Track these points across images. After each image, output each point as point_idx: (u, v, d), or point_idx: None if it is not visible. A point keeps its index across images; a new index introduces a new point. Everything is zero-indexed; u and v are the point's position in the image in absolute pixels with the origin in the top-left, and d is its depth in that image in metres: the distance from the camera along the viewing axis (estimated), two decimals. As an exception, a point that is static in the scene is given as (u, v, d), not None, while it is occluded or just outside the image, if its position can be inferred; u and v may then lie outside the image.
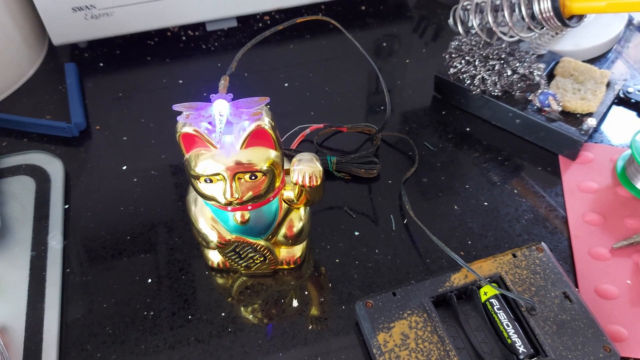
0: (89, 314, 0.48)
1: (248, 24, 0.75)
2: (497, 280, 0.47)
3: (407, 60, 0.70)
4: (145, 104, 0.65)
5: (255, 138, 0.40)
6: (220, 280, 0.51)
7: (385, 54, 0.71)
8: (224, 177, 0.40)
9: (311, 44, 0.73)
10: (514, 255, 0.48)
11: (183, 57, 0.71)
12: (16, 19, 0.65)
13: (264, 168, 0.41)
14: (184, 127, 0.39)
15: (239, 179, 0.41)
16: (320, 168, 0.42)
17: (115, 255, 0.52)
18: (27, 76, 0.68)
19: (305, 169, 0.42)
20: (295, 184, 0.42)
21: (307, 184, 0.42)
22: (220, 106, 0.39)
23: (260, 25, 0.75)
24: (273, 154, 0.41)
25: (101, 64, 0.70)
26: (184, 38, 0.73)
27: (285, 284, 0.50)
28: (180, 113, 0.40)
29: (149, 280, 0.51)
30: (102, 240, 0.53)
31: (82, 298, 0.50)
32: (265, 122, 0.40)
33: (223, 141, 0.40)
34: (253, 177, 0.41)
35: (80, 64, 0.70)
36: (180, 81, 0.68)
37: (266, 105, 0.41)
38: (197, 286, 0.50)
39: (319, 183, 0.42)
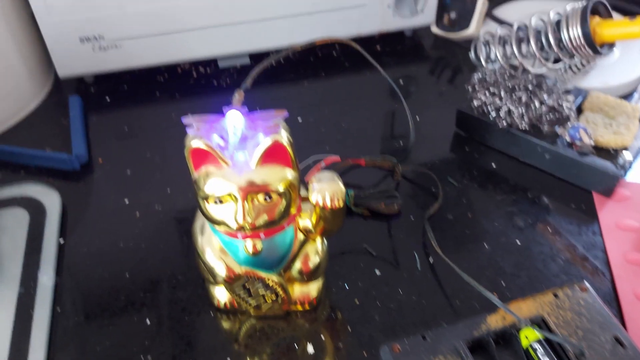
0: (80, 357, 0.43)
1: (261, 61, 0.73)
2: (539, 323, 0.41)
3: (425, 99, 0.67)
4: (152, 139, 0.62)
5: (271, 155, 0.36)
6: (226, 323, 0.46)
7: (403, 93, 0.68)
8: (236, 198, 0.36)
9: (326, 82, 0.71)
10: (556, 295, 0.43)
11: (193, 93, 0.69)
12: (21, 49, 0.63)
13: (280, 189, 0.37)
14: (194, 140, 0.36)
15: (252, 200, 0.37)
16: (343, 189, 0.38)
17: (111, 294, 0.47)
18: (29, 109, 0.65)
19: (326, 189, 0.38)
20: (315, 205, 0.38)
21: (329, 205, 0.37)
22: (235, 118, 0.36)
23: (273, 63, 0.72)
24: (290, 174, 0.37)
25: (107, 99, 0.68)
26: (194, 75, 0.71)
27: (298, 328, 0.45)
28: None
29: (148, 322, 0.45)
30: (98, 278, 0.49)
31: (72, 340, 0.44)
32: (283, 136, 0.36)
33: (235, 158, 0.37)
34: (267, 199, 0.37)
35: (86, 98, 0.67)
36: (189, 116, 0.65)
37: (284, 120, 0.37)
38: (201, 328, 0.45)
39: (341, 205, 0.38)
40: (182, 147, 0.37)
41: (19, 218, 0.52)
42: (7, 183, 0.56)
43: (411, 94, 0.68)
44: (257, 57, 0.72)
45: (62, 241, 0.51)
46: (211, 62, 0.72)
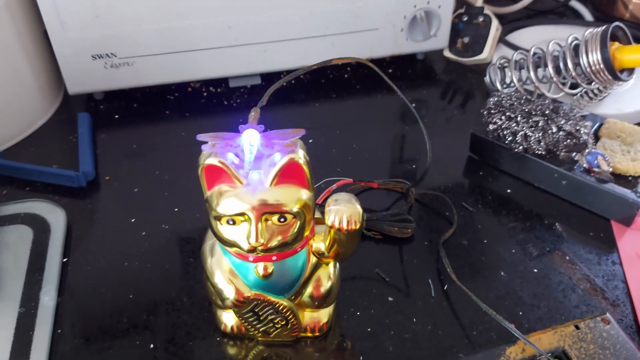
0: (79, 382, 0.41)
1: (272, 82, 0.72)
2: (560, 355, 0.40)
3: (437, 123, 0.67)
4: (161, 157, 0.61)
5: (287, 174, 0.35)
6: (232, 349, 0.44)
7: (414, 117, 0.68)
8: (249, 218, 0.35)
9: (337, 104, 0.70)
10: (577, 327, 0.41)
11: (204, 112, 0.68)
12: (32, 65, 0.62)
13: (295, 209, 0.35)
14: (209, 157, 0.35)
15: (266, 220, 0.35)
16: (360, 210, 0.37)
17: (113, 316, 0.46)
18: (37, 125, 0.64)
19: (343, 210, 0.36)
20: (331, 227, 0.37)
21: (345, 227, 0.36)
22: (251, 136, 0.35)
23: (285, 84, 0.72)
24: (305, 194, 0.36)
25: (117, 116, 0.67)
26: (205, 94, 0.70)
27: (307, 357, 0.43)
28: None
29: (151, 346, 0.44)
30: (101, 299, 0.47)
31: (72, 363, 0.43)
32: (300, 155, 0.35)
33: (250, 177, 0.35)
34: (282, 220, 0.36)
35: (95, 115, 0.66)
36: (199, 136, 0.64)
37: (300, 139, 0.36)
38: (206, 354, 0.43)
39: (357, 227, 0.36)
40: (191, 166, 0.36)
41: (23, 235, 0.51)
42: (11, 199, 0.55)
43: (422, 117, 0.67)
44: (268, 78, 0.72)
45: (64, 260, 0.50)
46: (222, 82, 0.72)
